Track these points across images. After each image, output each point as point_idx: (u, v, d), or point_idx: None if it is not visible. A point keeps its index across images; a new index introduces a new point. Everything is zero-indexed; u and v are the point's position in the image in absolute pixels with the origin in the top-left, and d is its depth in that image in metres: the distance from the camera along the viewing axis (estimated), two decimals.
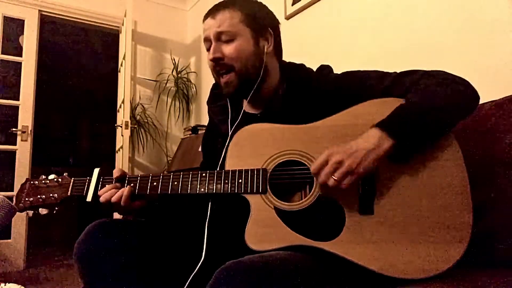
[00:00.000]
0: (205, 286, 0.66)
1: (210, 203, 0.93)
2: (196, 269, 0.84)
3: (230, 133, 0.97)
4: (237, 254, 0.70)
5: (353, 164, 0.75)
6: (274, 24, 1.03)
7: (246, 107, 1.06)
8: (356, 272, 0.75)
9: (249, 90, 0.98)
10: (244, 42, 0.96)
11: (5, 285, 1.85)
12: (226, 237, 0.90)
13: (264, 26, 0.99)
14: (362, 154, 0.75)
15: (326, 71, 1.01)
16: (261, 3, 1.04)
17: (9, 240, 2.94)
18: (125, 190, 0.91)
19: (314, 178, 0.79)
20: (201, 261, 0.85)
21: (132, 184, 0.93)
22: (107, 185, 0.93)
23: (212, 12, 0.97)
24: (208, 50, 0.98)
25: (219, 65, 0.96)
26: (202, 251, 0.86)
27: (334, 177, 0.75)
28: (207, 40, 0.98)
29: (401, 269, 0.73)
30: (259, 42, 0.98)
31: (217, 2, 1.00)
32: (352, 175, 0.75)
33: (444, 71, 0.87)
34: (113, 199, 0.90)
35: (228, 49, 0.95)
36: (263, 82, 0.99)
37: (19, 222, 2.94)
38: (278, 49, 1.04)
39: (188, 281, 0.83)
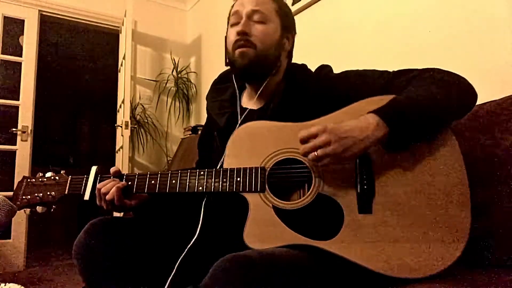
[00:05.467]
0: (200, 279, 0.66)
1: (205, 198, 0.94)
2: (183, 254, 0.85)
3: (226, 127, 0.99)
4: (235, 252, 0.70)
5: (338, 149, 0.75)
6: (294, 30, 1.07)
7: (245, 102, 1.06)
8: (354, 271, 0.75)
9: (260, 76, 1.00)
10: (273, 29, 0.99)
11: (5, 285, 1.85)
12: (224, 235, 0.90)
13: (290, 26, 1.04)
14: (351, 142, 0.75)
15: (326, 70, 1.01)
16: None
17: (9, 240, 2.94)
18: (119, 182, 0.92)
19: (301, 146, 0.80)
20: (191, 241, 0.86)
21: (130, 183, 0.93)
22: (106, 180, 0.94)
23: None
24: (233, 24, 1.00)
25: (243, 40, 0.96)
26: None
27: (316, 153, 0.76)
28: (237, 14, 0.99)
29: (399, 268, 0.73)
30: (283, 37, 1.02)
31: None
32: (334, 158, 0.76)
33: (441, 69, 0.87)
34: (108, 196, 0.90)
35: (257, 29, 0.97)
36: (271, 76, 1.01)
37: (19, 222, 2.94)
38: (291, 53, 1.07)
39: (173, 271, 0.84)
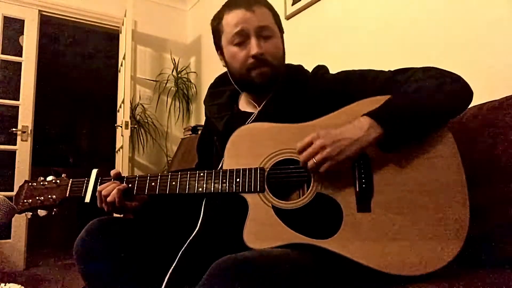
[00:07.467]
0: (198, 281, 0.66)
1: (205, 199, 0.94)
2: (183, 248, 0.86)
3: (225, 131, 0.98)
4: (235, 252, 0.70)
5: (334, 151, 0.77)
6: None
7: (242, 105, 1.06)
8: (354, 269, 0.75)
9: (272, 88, 0.99)
10: (279, 41, 0.99)
11: (5, 285, 1.85)
12: (224, 236, 0.90)
13: (282, 29, 1.03)
14: (346, 143, 0.77)
15: (322, 71, 1.02)
16: None
17: (9, 240, 2.94)
18: (119, 184, 0.92)
19: (300, 158, 0.81)
20: (192, 235, 0.86)
21: (130, 185, 0.94)
22: (106, 182, 0.94)
23: (247, 5, 0.94)
24: (240, 43, 0.95)
25: (259, 61, 0.94)
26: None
27: (314, 160, 0.77)
28: (242, 33, 0.94)
29: (399, 266, 0.73)
30: (283, 44, 1.02)
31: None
32: (332, 161, 0.77)
33: (437, 68, 0.88)
34: (109, 198, 0.90)
35: (268, 46, 0.95)
36: None
37: (19, 222, 2.94)
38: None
39: (170, 270, 0.84)
